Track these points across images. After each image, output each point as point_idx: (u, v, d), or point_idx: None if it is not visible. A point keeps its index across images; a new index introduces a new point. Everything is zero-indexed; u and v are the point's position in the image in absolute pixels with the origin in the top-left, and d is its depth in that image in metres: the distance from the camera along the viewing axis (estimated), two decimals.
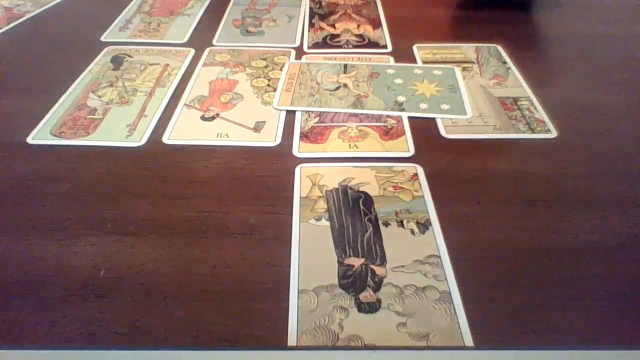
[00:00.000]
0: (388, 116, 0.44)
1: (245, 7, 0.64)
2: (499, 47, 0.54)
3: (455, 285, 0.30)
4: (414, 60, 0.52)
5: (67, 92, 0.47)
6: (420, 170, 0.38)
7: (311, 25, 0.60)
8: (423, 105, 0.45)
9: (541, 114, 0.44)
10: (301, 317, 0.28)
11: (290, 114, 0.44)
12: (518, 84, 0.48)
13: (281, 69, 0.51)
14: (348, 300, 0.29)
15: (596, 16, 0.62)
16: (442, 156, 0.40)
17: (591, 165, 0.39)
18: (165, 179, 0.37)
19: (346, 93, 0.47)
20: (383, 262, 0.31)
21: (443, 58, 0.52)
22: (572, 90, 0.48)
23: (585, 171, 0.38)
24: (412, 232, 0.33)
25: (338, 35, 0.57)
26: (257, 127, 0.43)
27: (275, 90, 0.47)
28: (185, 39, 0.56)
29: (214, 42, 0.56)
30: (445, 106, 0.45)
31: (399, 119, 0.43)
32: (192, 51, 0.54)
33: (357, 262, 0.31)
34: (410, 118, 0.43)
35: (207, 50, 0.54)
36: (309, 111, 0.45)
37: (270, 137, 0.42)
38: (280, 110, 0.45)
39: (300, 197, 0.36)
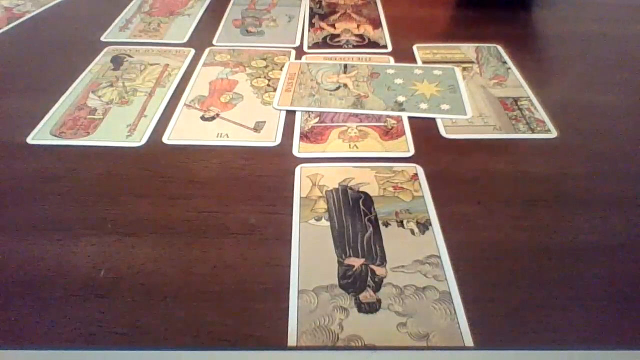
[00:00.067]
0: (388, 116, 0.44)
1: (245, 7, 0.64)
2: (499, 47, 0.54)
3: (455, 285, 0.30)
4: (414, 60, 0.52)
5: (67, 92, 0.47)
6: (420, 170, 0.38)
7: (311, 25, 0.60)
8: (423, 105, 0.45)
9: (541, 114, 0.44)
10: (301, 317, 0.28)
11: (290, 114, 0.44)
12: (518, 84, 0.48)
13: (281, 69, 0.51)
14: (348, 301, 0.29)
15: (597, 16, 0.62)
16: (442, 156, 0.40)
17: (591, 165, 0.39)
18: (165, 179, 0.37)
19: (346, 93, 0.47)
20: (383, 262, 0.31)
21: (443, 58, 0.52)
22: (572, 90, 0.48)
23: (585, 171, 0.38)
24: (412, 232, 0.33)
25: (338, 35, 0.57)
26: (257, 127, 0.43)
27: (275, 90, 0.47)
28: (185, 39, 0.56)
29: (214, 42, 0.56)
30: (445, 106, 0.45)
31: (399, 119, 0.43)
32: (192, 51, 0.54)
33: (357, 262, 0.31)
34: (410, 118, 0.43)
35: (207, 50, 0.54)
36: (309, 111, 0.45)
37: (270, 137, 0.42)
38: (280, 110, 0.45)
39: (300, 197, 0.36)
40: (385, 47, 0.55)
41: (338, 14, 0.62)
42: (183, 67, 0.51)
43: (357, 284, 0.30)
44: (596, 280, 0.30)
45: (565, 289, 0.30)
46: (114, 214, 0.35)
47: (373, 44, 0.56)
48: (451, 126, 0.43)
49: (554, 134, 0.42)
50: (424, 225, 0.33)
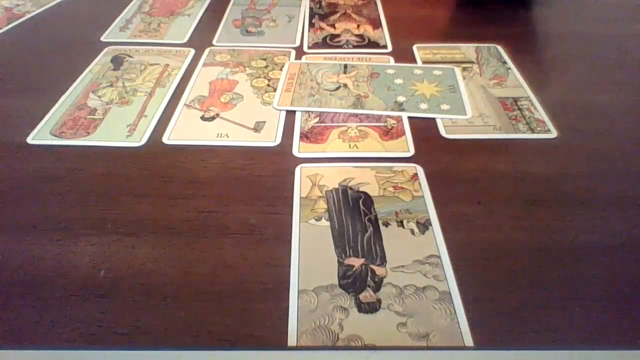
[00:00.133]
0: (388, 116, 0.44)
1: (245, 7, 0.64)
2: (499, 47, 0.54)
3: (455, 285, 0.30)
4: (414, 61, 0.52)
5: (67, 92, 0.47)
6: (420, 170, 0.38)
7: (311, 25, 0.60)
8: (423, 106, 0.45)
9: (541, 114, 0.44)
10: (301, 317, 0.28)
11: (290, 114, 0.44)
12: (518, 84, 0.48)
13: (281, 69, 0.51)
14: (348, 301, 0.29)
15: (597, 16, 0.62)
16: (442, 156, 0.40)
17: (591, 165, 0.39)
18: (165, 179, 0.37)
19: (346, 93, 0.47)
20: (383, 262, 0.31)
21: (443, 58, 0.52)
22: (572, 90, 0.48)
23: (585, 171, 0.38)
24: (412, 232, 0.33)
25: (338, 35, 0.57)
26: (257, 127, 0.43)
27: (275, 90, 0.47)
28: (185, 39, 0.56)
29: (214, 42, 0.56)
30: (445, 106, 0.45)
31: (399, 119, 0.43)
32: (192, 51, 0.54)
33: (357, 262, 0.31)
34: (410, 118, 0.43)
35: (207, 51, 0.54)
36: (309, 111, 0.45)
37: (270, 137, 0.42)
38: (280, 110, 0.45)
39: (300, 197, 0.36)
40: (385, 47, 0.55)
41: (338, 14, 0.62)
42: (183, 67, 0.51)
43: (357, 284, 0.30)
44: (596, 280, 0.30)
45: (565, 289, 0.30)
46: (114, 214, 0.35)
47: (373, 44, 0.56)
48: (451, 126, 0.43)
49: (554, 134, 0.42)
50: (424, 225, 0.33)
